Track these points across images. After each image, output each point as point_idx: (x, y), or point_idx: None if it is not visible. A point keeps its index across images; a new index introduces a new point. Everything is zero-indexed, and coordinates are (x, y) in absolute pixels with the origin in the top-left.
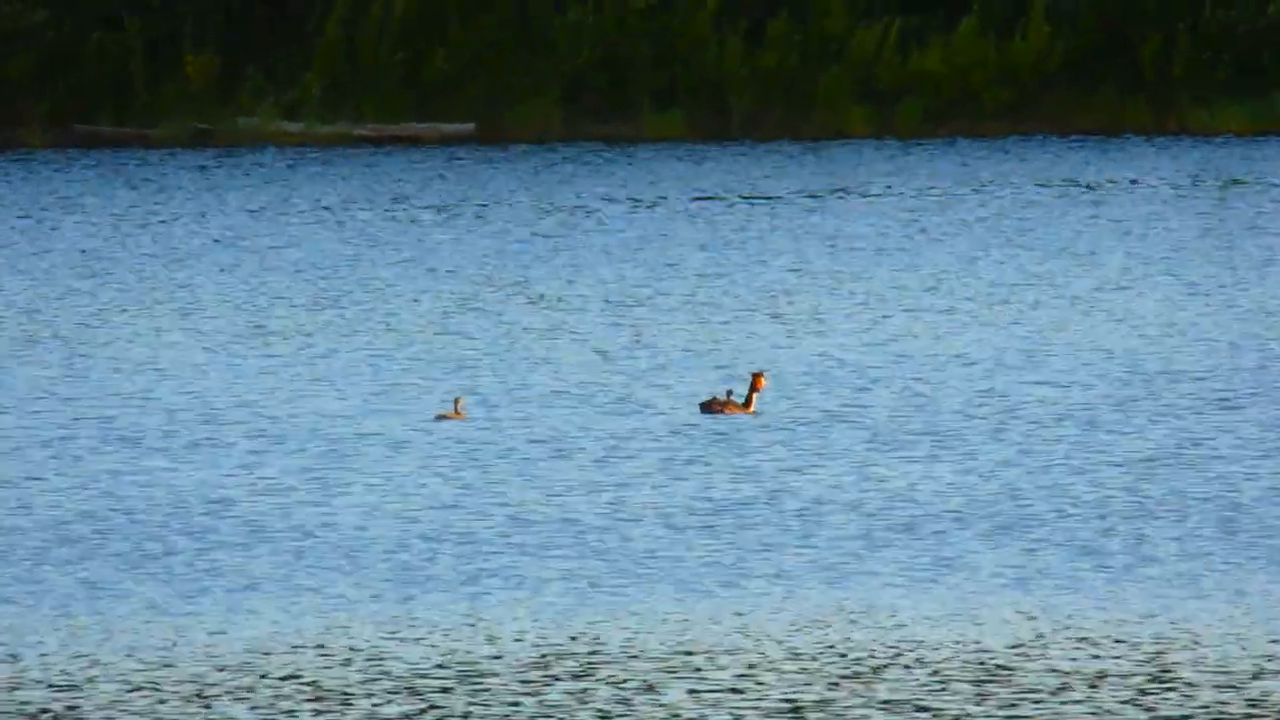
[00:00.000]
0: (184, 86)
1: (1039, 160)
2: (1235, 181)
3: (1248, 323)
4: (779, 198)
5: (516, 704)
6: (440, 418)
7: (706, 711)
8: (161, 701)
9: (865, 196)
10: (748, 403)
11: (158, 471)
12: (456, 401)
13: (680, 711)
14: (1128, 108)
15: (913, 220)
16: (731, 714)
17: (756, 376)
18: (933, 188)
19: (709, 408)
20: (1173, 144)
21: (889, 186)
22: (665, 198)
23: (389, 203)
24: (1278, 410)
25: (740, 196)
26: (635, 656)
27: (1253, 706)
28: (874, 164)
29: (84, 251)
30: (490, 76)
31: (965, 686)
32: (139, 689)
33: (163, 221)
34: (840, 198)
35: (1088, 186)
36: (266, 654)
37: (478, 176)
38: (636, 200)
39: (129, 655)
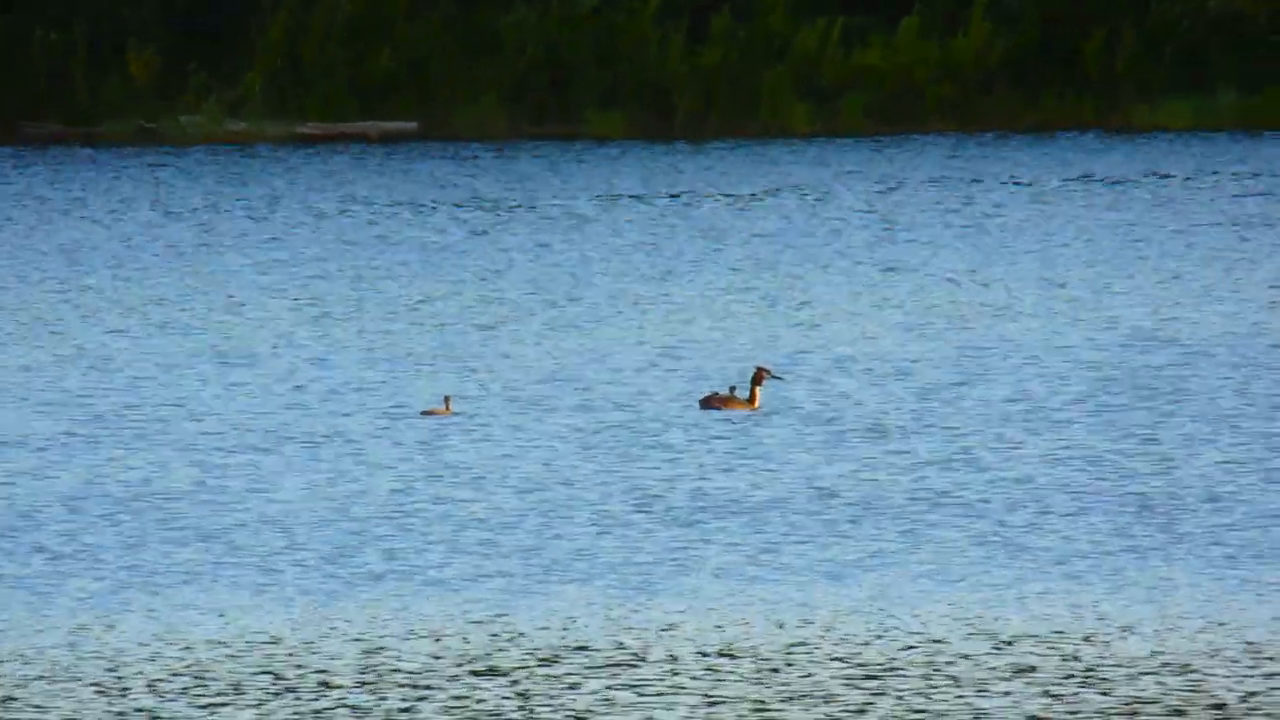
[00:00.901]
0: (128, 85)
1: (980, 157)
2: (1173, 176)
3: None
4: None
5: (462, 699)
6: (427, 414)
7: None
8: (77, 693)
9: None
10: (751, 398)
11: (108, 466)
12: (446, 400)
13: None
14: (1071, 104)
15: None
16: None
17: (760, 371)
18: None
19: (709, 403)
20: (1116, 140)
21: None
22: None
23: (345, 200)
24: (1216, 403)
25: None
26: (577, 649)
27: (1182, 700)
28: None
29: None
30: (434, 75)
31: (874, 680)
32: (69, 681)
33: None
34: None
35: (1028, 184)
36: (181, 645)
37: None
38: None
39: (70, 648)
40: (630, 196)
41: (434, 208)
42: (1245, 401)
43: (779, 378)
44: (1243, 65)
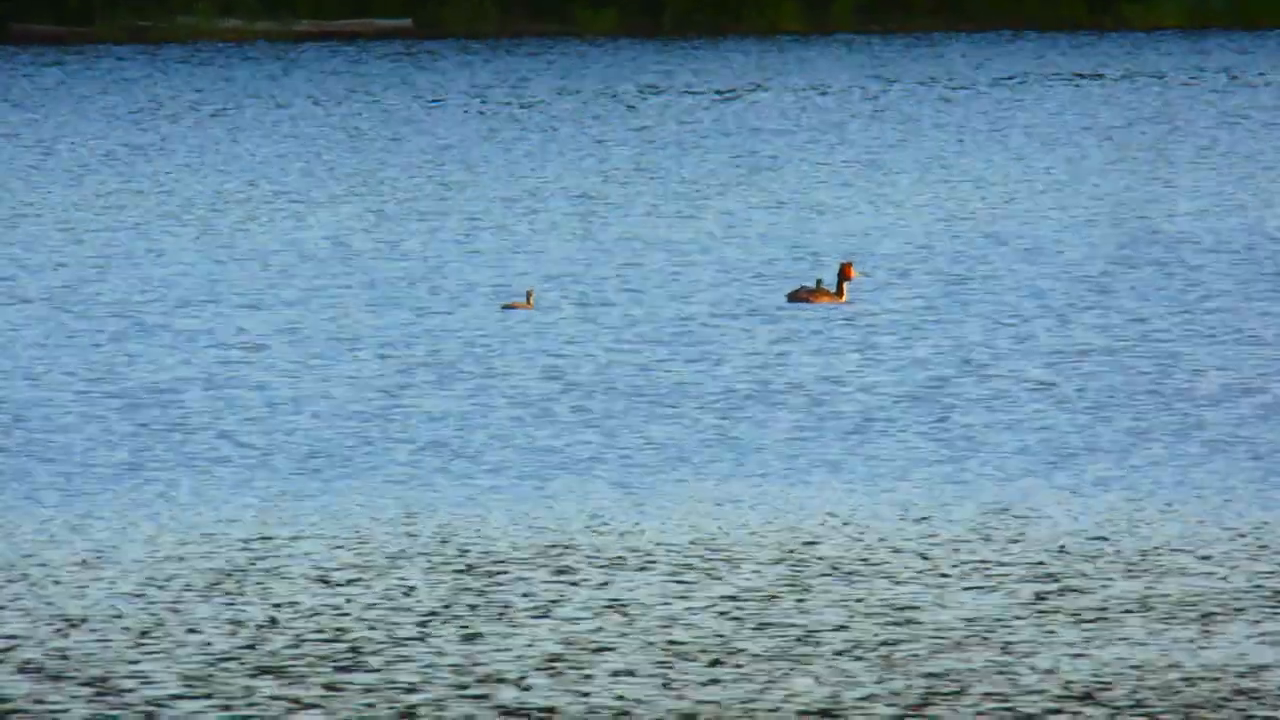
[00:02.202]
0: None
1: (970, 55)
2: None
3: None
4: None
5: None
6: (508, 307)
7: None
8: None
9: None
10: (839, 291)
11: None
12: (529, 293)
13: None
14: (1064, 3)
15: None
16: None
17: (846, 266)
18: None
19: (797, 297)
20: (1108, 39)
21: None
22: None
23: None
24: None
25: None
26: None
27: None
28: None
29: None
30: None
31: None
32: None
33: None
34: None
35: (1016, 80)
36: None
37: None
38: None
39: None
40: (680, 91)
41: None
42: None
43: (865, 274)
44: None
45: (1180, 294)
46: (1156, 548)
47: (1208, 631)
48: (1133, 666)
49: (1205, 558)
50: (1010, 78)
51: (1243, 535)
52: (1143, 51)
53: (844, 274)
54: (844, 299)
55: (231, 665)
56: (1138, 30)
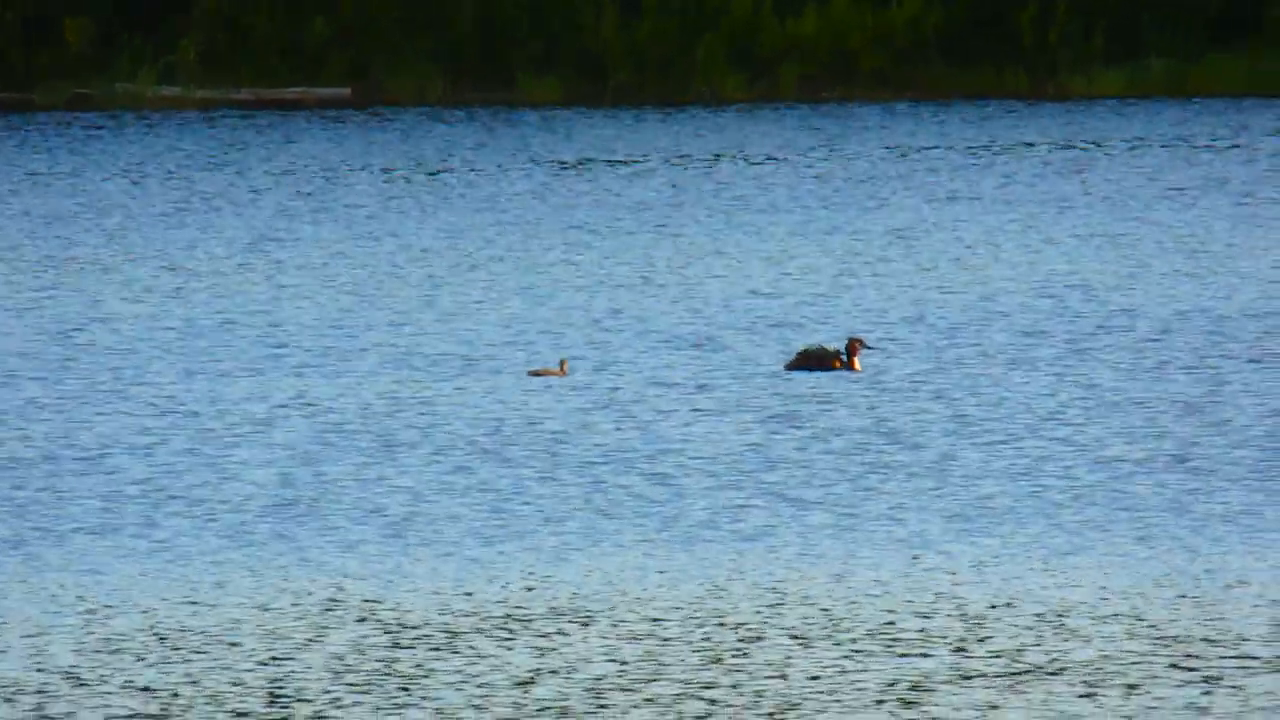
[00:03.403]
0: (63, 51)
1: (913, 125)
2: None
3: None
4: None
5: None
6: (536, 374)
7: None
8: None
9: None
10: (850, 364)
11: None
12: (562, 362)
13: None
14: (1005, 74)
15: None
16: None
17: (854, 342)
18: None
19: (807, 361)
20: (1049, 109)
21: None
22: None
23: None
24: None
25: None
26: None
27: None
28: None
29: None
30: (369, 42)
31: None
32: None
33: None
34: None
35: (962, 149)
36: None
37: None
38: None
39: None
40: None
41: (516, 166)
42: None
43: (872, 348)
44: (1175, 35)
45: (1135, 362)
46: (1064, 612)
47: (1119, 695)
48: None
49: (1114, 621)
50: (978, 146)
51: (1150, 598)
52: (1090, 120)
53: (852, 349)
54: (857, 368)
55: None
56: (1076, 100)
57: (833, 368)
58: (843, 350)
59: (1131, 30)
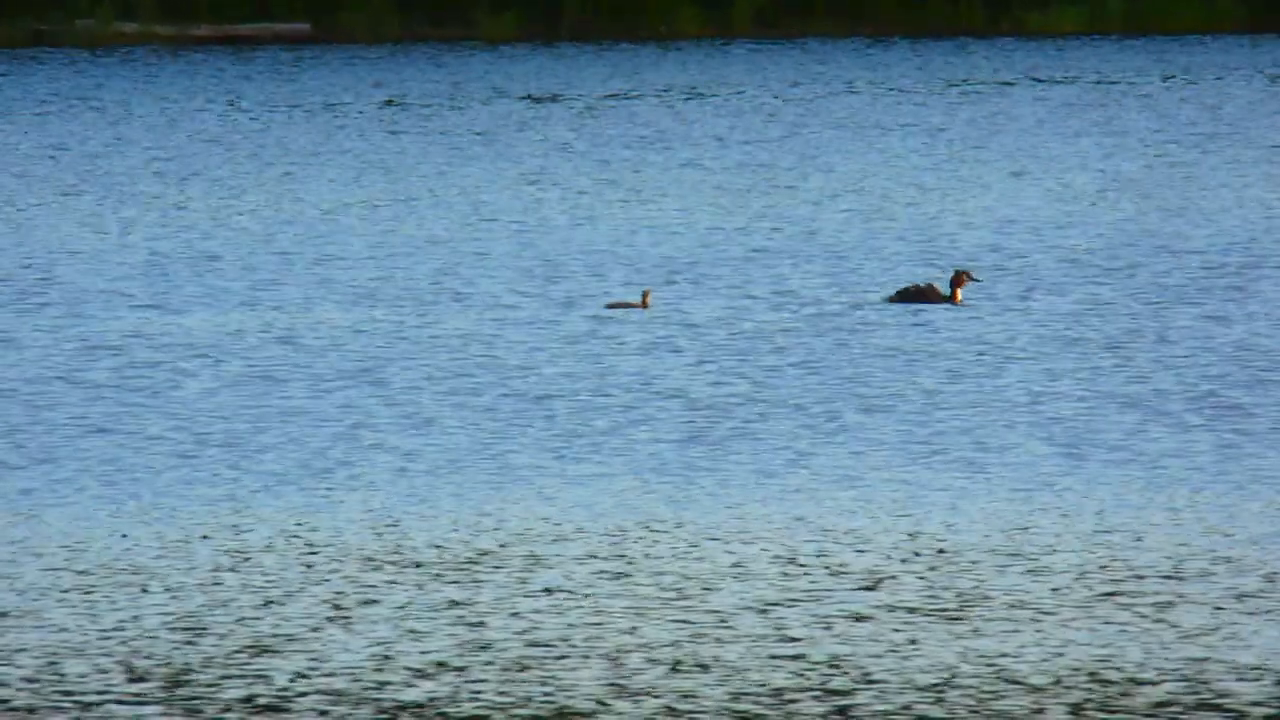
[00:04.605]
0: None
1: (864, 61)
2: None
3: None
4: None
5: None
6: (614, 306)
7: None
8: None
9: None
10: (953, 296)
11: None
12: (645, 293)
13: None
14: (962, 9)
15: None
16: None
17: (961, 274)
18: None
19: (905, 296)
20: (1007, 45)
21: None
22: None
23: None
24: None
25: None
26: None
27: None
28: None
29: None
30: None
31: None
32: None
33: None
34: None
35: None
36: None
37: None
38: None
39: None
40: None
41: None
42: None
43: (978, 280)
44: None
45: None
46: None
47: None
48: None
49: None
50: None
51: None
52: (1028, 56)
53: (957, 282)
54: (959, 300)
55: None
56: (1033, 36)
57: (935, 301)
58: (947, 283)
59: None
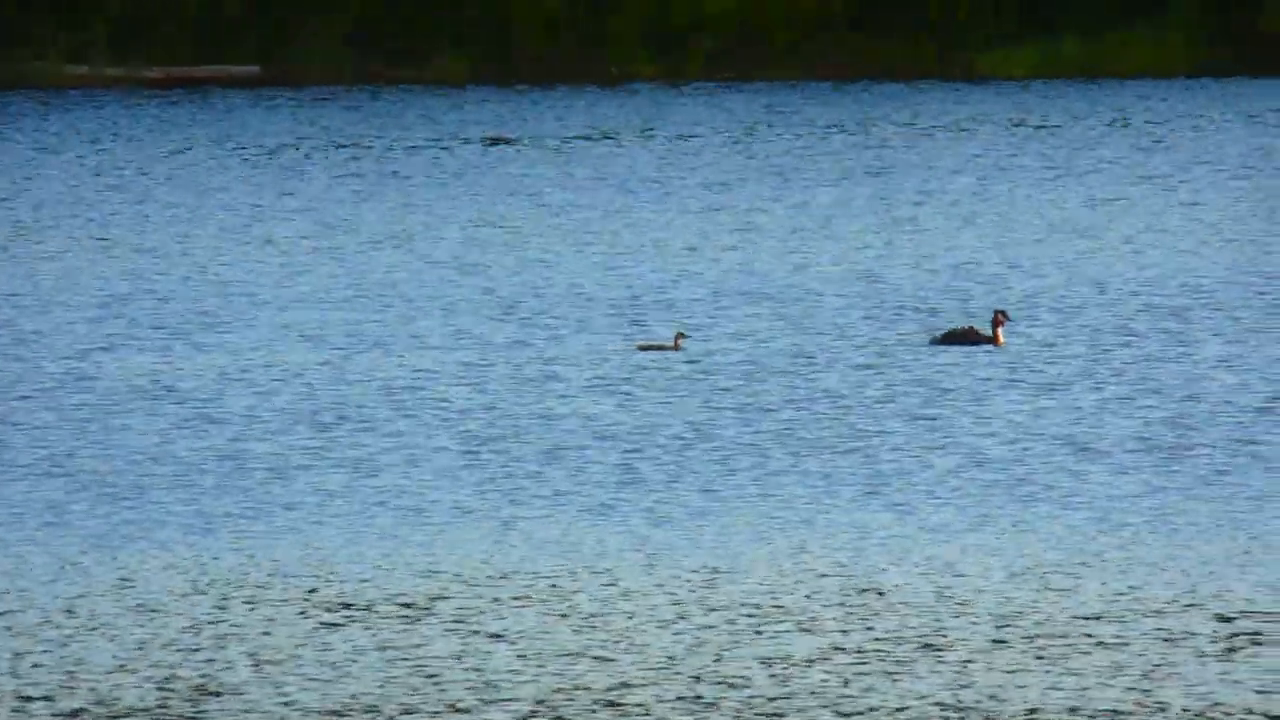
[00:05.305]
0: None
1: (815, 103)
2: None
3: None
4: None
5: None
6: (645, 349)
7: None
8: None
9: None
10: (994, 337)
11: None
12: (677, 335)
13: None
14: (916, 53)
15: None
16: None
17: (998, 314)
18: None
19: (951, 338)
20: (958, 89)
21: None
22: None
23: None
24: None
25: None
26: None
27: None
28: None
29: None
30: (278, 20)
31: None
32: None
33: None
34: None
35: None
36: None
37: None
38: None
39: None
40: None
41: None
42: None
43: (1012, 319)
44: (1086, 12)
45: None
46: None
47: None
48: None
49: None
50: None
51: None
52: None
53: (996, 323)
54: (1000, 342)
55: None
56: (988, 80)
57: (978, 343)
58: (988, 325)
59: (1044, 9)
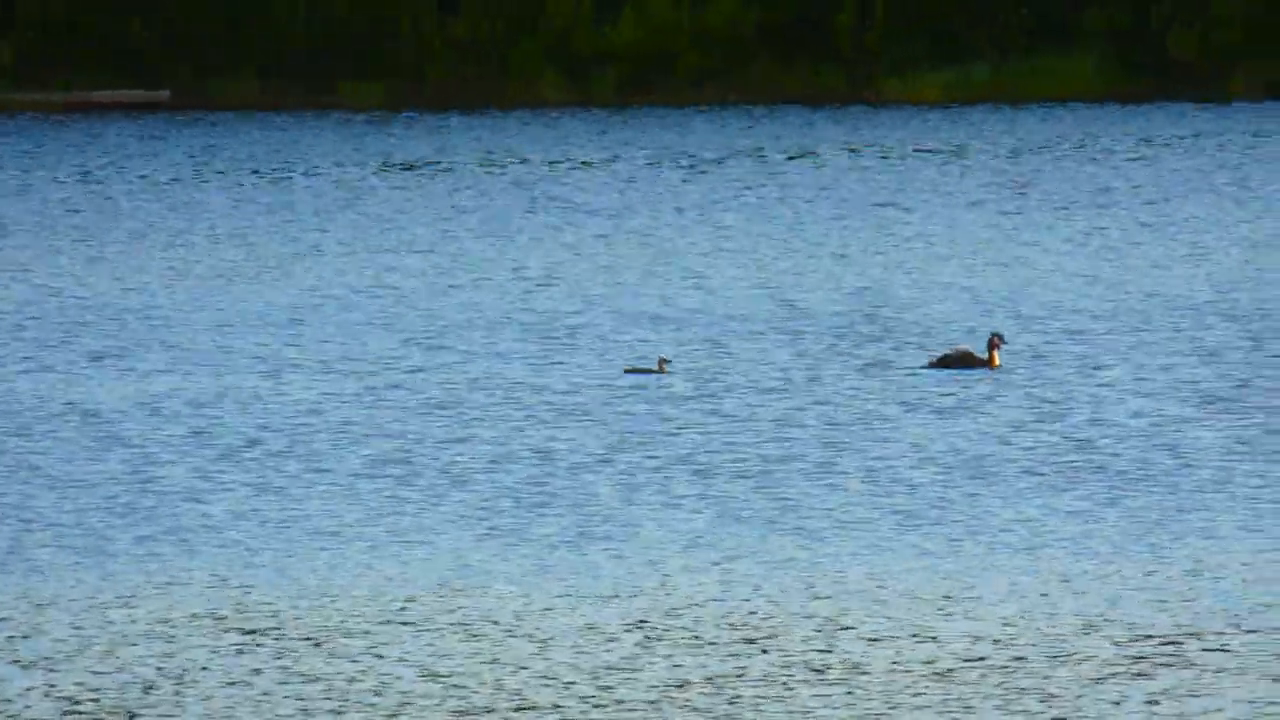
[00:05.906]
0: None
1: (729, 129)
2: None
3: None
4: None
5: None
6: (632, 371)
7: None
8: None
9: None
10: (990, 360)
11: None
12: (661, 360)
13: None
14: (824, 78)
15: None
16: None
17: (994, 337)
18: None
19: (946, 363)
20: (864, 114)
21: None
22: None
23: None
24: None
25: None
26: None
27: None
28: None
29: None
30: (189, 45)
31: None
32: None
33: None
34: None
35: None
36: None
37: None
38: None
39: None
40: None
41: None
42: None
43: (1006, 342)
44: (994, 39)
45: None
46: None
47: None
48: None
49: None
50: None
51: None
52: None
53: (992, 345)
54: (996, 364)
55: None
56: (896, 105)
57: (974, 366)
58: (984, 348)
59: (952, 35)
